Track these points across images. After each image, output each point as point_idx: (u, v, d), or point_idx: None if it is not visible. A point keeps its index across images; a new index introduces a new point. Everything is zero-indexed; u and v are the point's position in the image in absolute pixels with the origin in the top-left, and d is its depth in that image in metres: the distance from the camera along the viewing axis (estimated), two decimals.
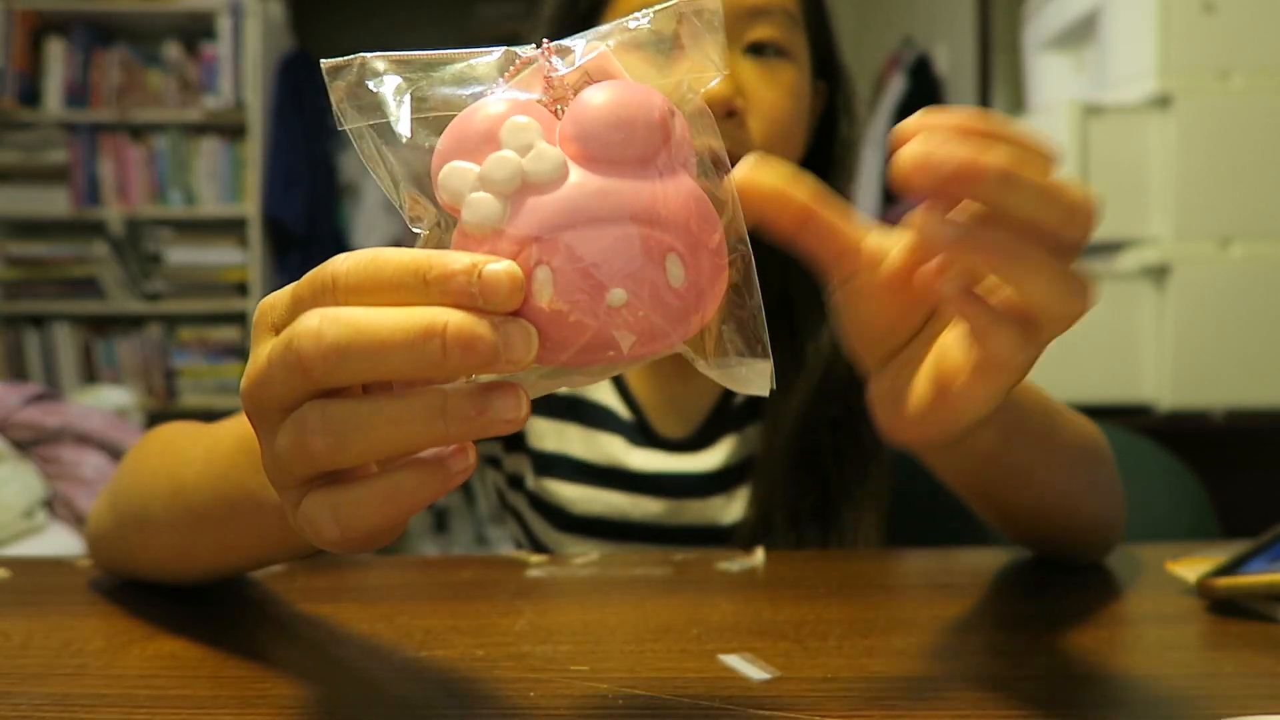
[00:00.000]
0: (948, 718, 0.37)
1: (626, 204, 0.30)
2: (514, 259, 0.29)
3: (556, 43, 0.33)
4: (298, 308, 0.31)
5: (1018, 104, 2.23)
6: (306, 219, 3.30)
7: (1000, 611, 0.53)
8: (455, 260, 0.29)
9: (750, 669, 0.41)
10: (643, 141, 0.31)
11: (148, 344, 3.29)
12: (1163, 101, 1.37)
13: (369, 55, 0.33)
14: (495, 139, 0.30)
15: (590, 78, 0.33)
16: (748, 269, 0.34)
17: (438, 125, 0.33)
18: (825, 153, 0.75)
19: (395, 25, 3.90)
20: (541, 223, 0.29)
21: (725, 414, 0.77)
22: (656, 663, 0.42)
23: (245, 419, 0.42)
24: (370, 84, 0.33)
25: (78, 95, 3.22)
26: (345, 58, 0.33)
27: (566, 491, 0.76)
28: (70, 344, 3.28)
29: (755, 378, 0.34)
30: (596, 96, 0.31)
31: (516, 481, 0.80)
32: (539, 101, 0.32)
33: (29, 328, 3.29)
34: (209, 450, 0.45)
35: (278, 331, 0.31)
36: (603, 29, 0.34)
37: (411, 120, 0.33)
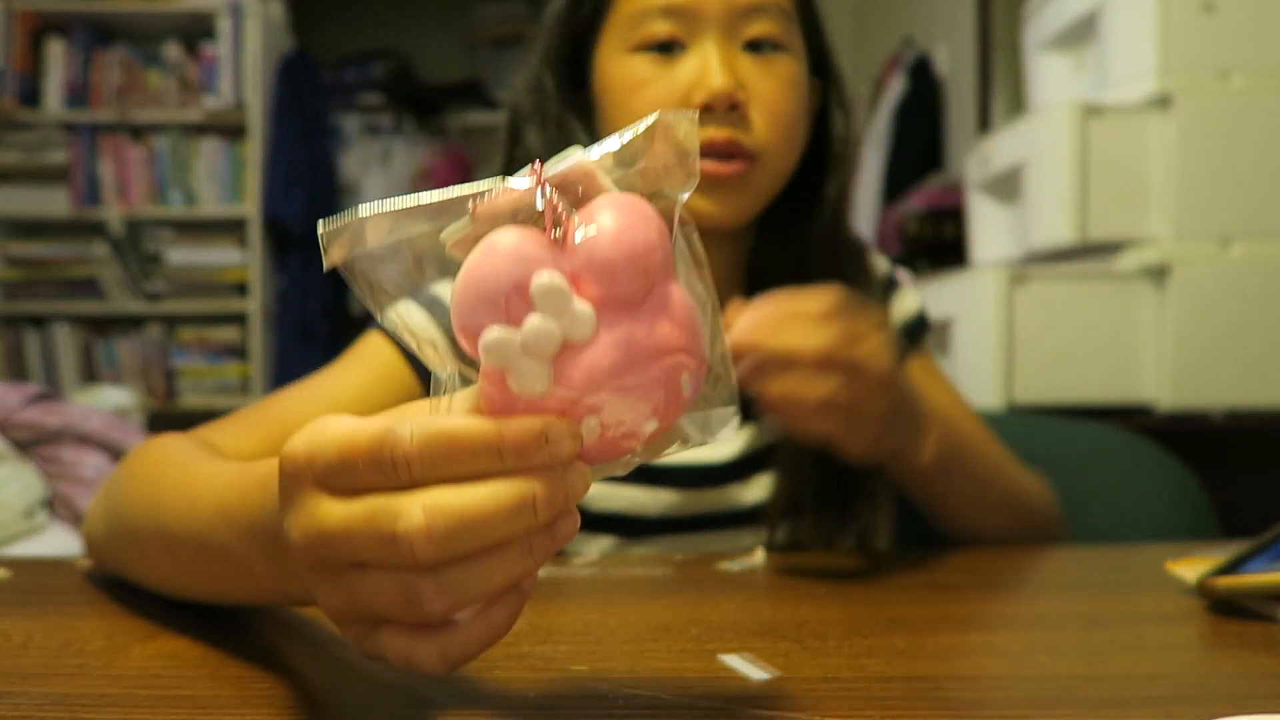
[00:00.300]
0: (947, 718, 0.37)
1: (653, 345, 0.33)
2: (562, 413, 0.33)
3: (548, 175, 0.34)
4: (354, 474, 0.32)
5: (1018, 104, 2.23)
6: (306, 219, 3.30)
7: (1000, 611, 0.53)
8: (525, 433, 0.32)
9: (750, 669, 0.41)
10: (655, 274, 0.33)
11: (148, 344, 3.29)
12: (1163, 101, 1.37)
13: (364, 215, 0.34)
14: (524, 294, 0.32)
15: (579, 189, 0.34)
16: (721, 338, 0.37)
17: (442, 267, 0.35)
18: (823, 149, 0.76)
19: (395, 26, 3.91)
20: (585, 383, 0.32)
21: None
22: (656, 663, 0.42)
23: (218, 472, 0.45)
24: (370, 245, 0.34)
25: (78, 95, 3.22)
26: (341, 220, 0.34)
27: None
28: (70, 344, 3.28)
29: (720, 424, 0.37)
30: (606, 233, 0.32)
31: None
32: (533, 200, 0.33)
33: (29, 328, 3.29)
34: (189, 504, 0.45)
35: (331, 490, 0.33)
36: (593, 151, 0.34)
37: (415, 276, 0.36)
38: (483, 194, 0.34)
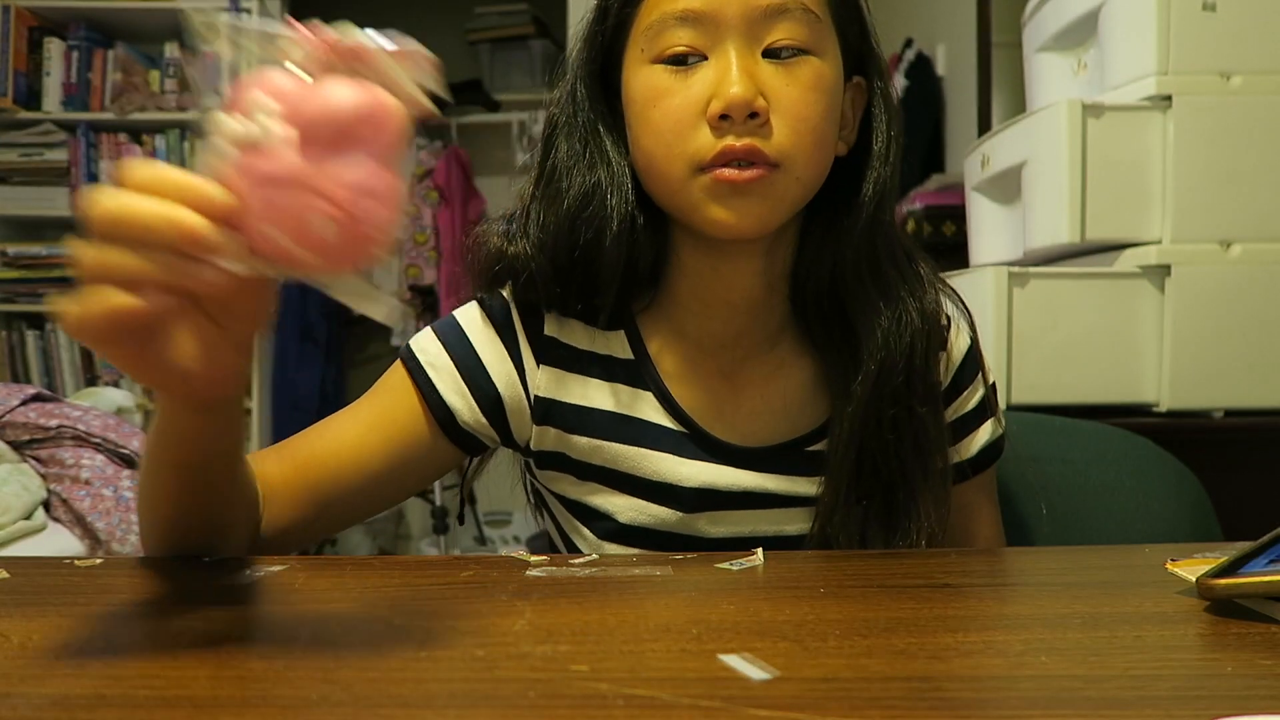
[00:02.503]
0: (947, 718, 0.37)
1: (310, 183, 0.41)
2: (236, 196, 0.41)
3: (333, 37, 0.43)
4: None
5: (1018, 104, 2.23)
6: None
7: (1000, 611, 0.53)
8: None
9: (750, 669, 0.41)
10: (350, 141, 0.41)
11: None
12: (1163, 101, 1.37)
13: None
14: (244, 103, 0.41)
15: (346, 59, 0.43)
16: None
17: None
18: (870, 146, 0.74)
19: (395, 26, 3.90)
20: (246, 179, 0.41)
21: (798, 438, 0.76)
22: (656, 663, 0.42)
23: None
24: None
25: (77, 95, 3.22)
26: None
27: (614, 501, 0.75)
28: (70, 344, 3.28)
29: (378, 306, 0.44)
30: (334, 92, 0.41)
31: (553, 496, 0.80)
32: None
33: (29, 328, 3.29)
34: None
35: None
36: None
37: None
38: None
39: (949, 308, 0.79)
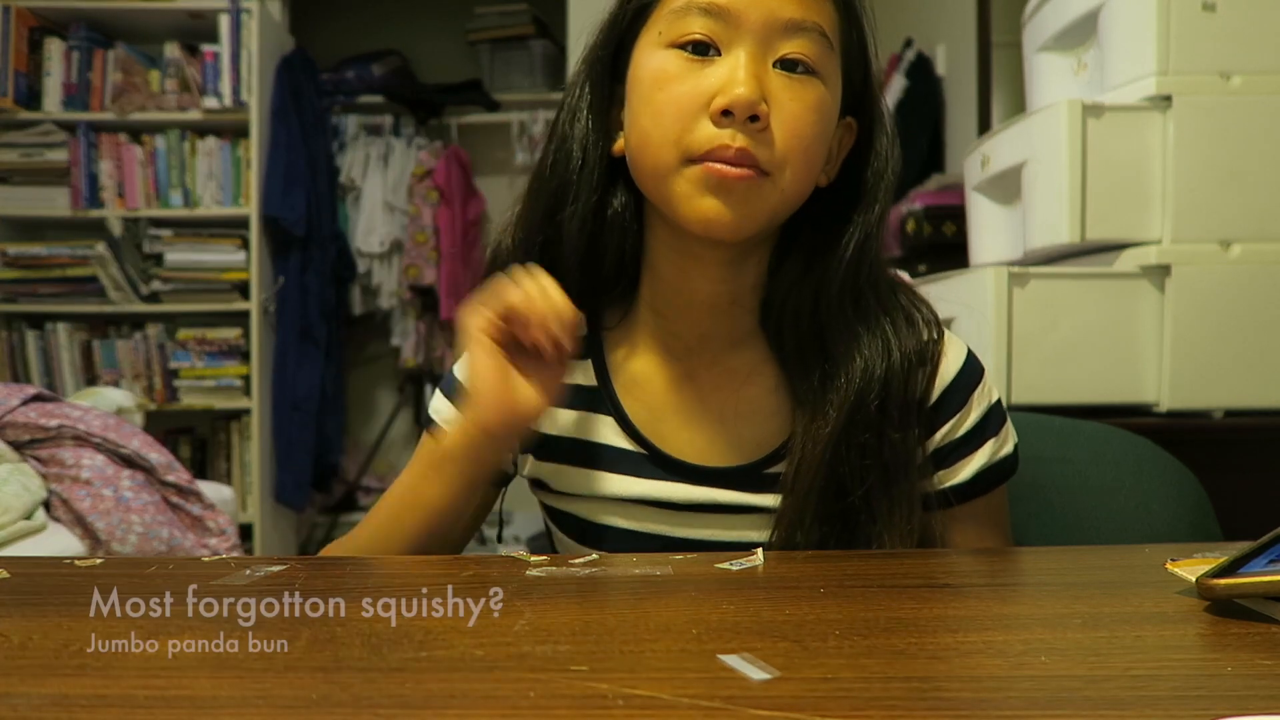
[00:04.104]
0: (947, 718, 0.37)
1: None
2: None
3: None
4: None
5: (1018, 104, 2.23)
6: (306, 219, 3.30)
7: (1000, 611, 0.53)
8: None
9: (750, 669, 0.41)
10: None
11: (147, 344, 3.29)
12: (1163, 101, 1.37)
13: None
14: None
15: None
16: None
17: None
18: (855, 185, 0.75)
19: (395, 26, 3.90)
20: None
21: (769, 455, 0.76)
22: (656, 663, 0.42)
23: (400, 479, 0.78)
24: None
25: (77, 95, 3.22)
26: None
27: (583, 512, 0.79)
28: (70, 344, 3.28)
29: None
30: None
31: (541, 505, 0.83)
32: None
33: (29, 328, 3.29)
34: (392, 495, 0.78)
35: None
36: None
37: None
38: None
39: (944, 330, 0.78)
